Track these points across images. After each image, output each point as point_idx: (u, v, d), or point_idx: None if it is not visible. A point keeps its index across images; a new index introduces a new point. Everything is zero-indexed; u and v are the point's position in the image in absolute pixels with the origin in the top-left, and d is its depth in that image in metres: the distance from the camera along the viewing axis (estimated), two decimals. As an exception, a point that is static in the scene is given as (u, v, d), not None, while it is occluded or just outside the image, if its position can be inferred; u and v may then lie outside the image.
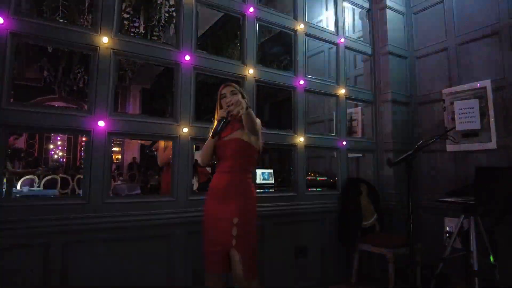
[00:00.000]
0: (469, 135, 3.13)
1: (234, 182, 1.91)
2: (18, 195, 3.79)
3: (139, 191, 5.43)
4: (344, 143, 3.33)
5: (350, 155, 3.48)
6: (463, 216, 2.42)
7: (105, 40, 2.19)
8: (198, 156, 1.93)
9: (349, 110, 3.79)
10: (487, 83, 3.02)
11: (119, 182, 7.06)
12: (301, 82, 3.07)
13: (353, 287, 2.99)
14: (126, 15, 5.53)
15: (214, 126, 1.93)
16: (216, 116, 2.01)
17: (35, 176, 5.93)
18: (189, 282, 2.32)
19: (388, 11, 3.64)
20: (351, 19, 4.27)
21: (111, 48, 2.22)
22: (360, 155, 3.77)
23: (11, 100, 1.93)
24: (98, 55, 2.18)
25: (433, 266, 2.67)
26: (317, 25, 3.45)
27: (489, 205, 2.43)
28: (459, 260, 2.58)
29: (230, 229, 1.82)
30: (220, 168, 1.96)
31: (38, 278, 1.88)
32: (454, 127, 3.10)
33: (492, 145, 2.95)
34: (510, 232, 2.61)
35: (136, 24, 5.90)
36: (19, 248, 1.85)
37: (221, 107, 2.01)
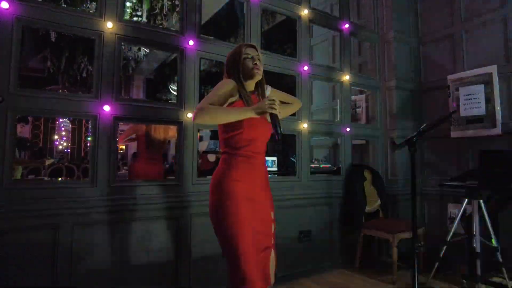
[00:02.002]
0: (473, 121, 3.12)
1: (265, 170, 1.61)
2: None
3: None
4: (348, 129, 3.33)
5: (354, 142, 3.48)
6: (466, 200, 2.43)
7: (109, 25, 2.19)
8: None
9: (353, 97, 3.78)
10: (493, 69, 2.99)
11: (123, 171, 7.12)
12: (306, 68, 3.06)
13: (357, 271, 3.03)
14: (128, 3, 5.50)
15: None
16: (225, 78, 1.59)
17: (41, 166, 5.99)
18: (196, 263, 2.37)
19: (393, -4, 3.60)
20: (356, 5, 4.22)
21: (116, 33, 2.22)
22: (364, 141, 3.77)
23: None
24: (102, 40, 2.18)
25: (436, 250, 2.70)
26: (321, 11, 3.42)
27: (492, 188, 2.43)
28: (462, 245, 2.60)
29: (271, 225, 1.56)
30: (248, 150, 1.51)
31: (47, 258, 1.92)
32: (457, 110, 3.09)
33: (497, 131, 2.94)
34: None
35: (139, 13, 5.87)
36: (29, 229, 1.89)
37: (236, 68, 1.56)
